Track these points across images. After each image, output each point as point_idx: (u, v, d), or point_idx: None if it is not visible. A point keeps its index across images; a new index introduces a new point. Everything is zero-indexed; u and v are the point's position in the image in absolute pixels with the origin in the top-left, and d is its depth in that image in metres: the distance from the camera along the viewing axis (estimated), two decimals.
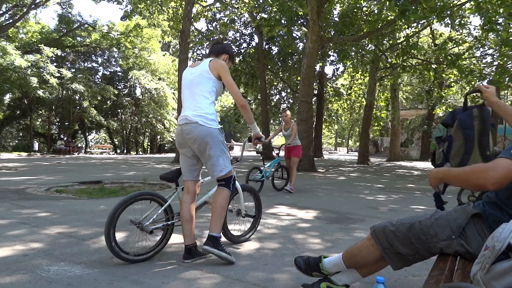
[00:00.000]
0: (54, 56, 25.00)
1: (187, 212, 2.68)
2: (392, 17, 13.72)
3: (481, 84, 1.88)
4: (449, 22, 14.96)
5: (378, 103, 22.64)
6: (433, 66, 17.59)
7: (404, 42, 16.41)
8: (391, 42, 18.23)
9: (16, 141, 34.13)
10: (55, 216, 4.01)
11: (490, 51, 19.39)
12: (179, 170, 2.79)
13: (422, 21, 15.51)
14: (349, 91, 23.92)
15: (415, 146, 30.14)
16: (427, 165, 19.11)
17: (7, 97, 28.79)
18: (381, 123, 24.36)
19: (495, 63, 17.83)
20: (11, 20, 26.45)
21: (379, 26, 13.84)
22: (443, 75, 17.94)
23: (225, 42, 3.02)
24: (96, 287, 2.09)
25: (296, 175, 6.84)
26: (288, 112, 6.85)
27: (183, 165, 2.76)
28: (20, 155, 22.04)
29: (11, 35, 27.18)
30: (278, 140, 29.70)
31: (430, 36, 22.67)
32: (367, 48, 18.04)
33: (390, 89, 22.67)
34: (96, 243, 3.01)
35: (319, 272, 1.98)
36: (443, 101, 21.35)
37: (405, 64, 18.06)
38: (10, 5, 26.21)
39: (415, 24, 16.72)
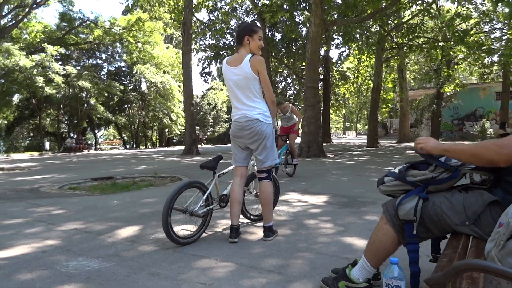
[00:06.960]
0: (58, 54, 25.13)
1: (238, 194, 2.95)
2: None
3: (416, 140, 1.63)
4: None
5: (385, 84, 22.33)
6: (440, 44, 17.23)
7: (410, 21, 16.04)
8: (396, 21, 17.85)
9: (28, 141, 34.63)
10: (70, 213, 4.08)
11: (499, 25, 18.91)
12: (217, 159, 3.10)
13: None
14: (356, 74, 23.64)
15: (425, 127, 29.72)
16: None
17: (16, 98, 29.12)
18: (389, 104, 24.04)
19: (505, 37, 17.39)
20: (13, 21, 26.60)
21: (382, 6, 13.56)
22: (451, 53, 17.58)
23: (241, 25, 3.22)
24: (115, 280, 2.13)
25: (295, 149, 7.32)
26: (286, 103, 7.35)
27: (237, 154, 3.03)
28: (32, 155, 22.39)
29: (14, 36, 27.36)
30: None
31: (436, 13, 22.17)
32: (372, 29, 17.71)
33: (397, 69, 22.33)
34: (112, 237, 3.07)
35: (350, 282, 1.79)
36: (451, 79, 20.94)
37: (411, 43, 17.73)
38: (12, 6, 26.32)
39: (420, 1, 16.35)
